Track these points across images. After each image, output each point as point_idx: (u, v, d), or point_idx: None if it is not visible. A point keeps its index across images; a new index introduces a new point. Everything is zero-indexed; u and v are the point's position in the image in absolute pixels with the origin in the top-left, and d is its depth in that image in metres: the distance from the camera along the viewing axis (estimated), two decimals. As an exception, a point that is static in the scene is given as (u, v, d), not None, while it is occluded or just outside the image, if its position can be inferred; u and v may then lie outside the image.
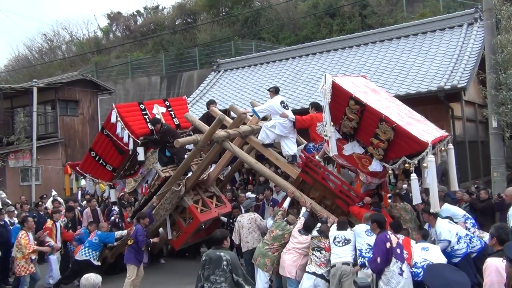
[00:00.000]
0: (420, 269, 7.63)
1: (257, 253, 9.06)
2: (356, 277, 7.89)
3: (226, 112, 13.00)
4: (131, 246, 9.98)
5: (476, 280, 8.07)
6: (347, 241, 8.26)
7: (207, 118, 12.29)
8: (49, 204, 15.82)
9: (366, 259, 7.88)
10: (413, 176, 8.44)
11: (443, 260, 7.82)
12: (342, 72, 17.92)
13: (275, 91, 11.03)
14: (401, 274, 7.14)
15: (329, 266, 8.33)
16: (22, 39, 76.96)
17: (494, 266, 5.20)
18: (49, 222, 11.48)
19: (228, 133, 10.52)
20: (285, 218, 9.37)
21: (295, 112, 12.99)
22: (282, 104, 10.50)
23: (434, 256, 7.80)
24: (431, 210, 8.56)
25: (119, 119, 11.21)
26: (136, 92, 31.85)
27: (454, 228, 8.57)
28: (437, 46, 17.24)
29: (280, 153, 10.60)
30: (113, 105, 11.64)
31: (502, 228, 5.85)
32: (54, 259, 11.42)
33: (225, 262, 6.43)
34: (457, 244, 8.29)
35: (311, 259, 8.40)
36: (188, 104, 15.20)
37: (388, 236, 7.31)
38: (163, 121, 11.85)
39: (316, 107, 10.90)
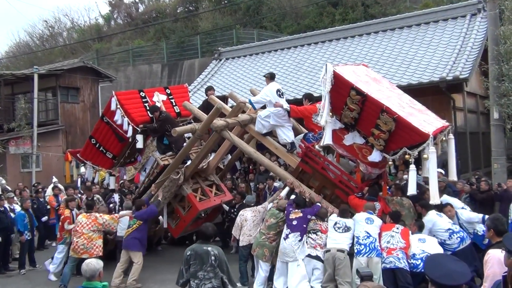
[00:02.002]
0: (419, 261, 7.67)
1: (255, 244, 9.06)
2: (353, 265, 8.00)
3: (224, 98, 12.96)
4: (134, 236, 10.12)
5: (475, 273, 8.07)
6: (347, 229, 8.35)
7: (207, 105, 12.23)
8: (49, 191, 15.81)
9: (363, 246, 7.97)
10: (412, 167, 8.42)
11: (440, 251, 7.84)
12: (344, 62, 17.83)
13: (270, 77, 10.90)
14: (285, 239, 8.50)
15: (325, 249, 8.43)
16: (23, 25, 76.68)
17: (497, 258, 5.19)
18: (66, 211, 11.16)
19: (227, 122, 10.41)
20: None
21: (296, 101, 13.00)
22: (278, 93, 10.40)
23: (431, 247, 7.84)
24: (431, 202, 8.56)
25: (118, 106, 11.15)
26: (137, 80, 31.75)
27: (443, 221, 8.57)
28: (440, 36, 17.17)
29: (279, 141, 10.57)
30: (113, 92, 11.60)
31: (497, 219, 5.89)
32: (61, 248, 11.10)
33: (213, 257, 6.22)
34: (449, 239, 8.30)
35: (307, 241, 8.49)
36: (189, 92, 15.16)
37: (290, 210, 8.76)
38: (163, 108, 11.81)
39: (310, 98, 10.85)
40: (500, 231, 5.64)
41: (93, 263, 5.22)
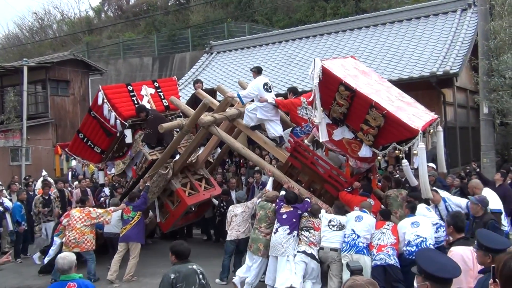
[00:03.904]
0: (414, 247, 7.62)
1: (250, 240, 9.06)
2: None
3: (212, 91, 12.89)
4: (135, 227, 10.27)
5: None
6: (341, 227, 8.35)
7: (195, 99, 12.16)
8: (38, 184, 15.72)
9: (345, 244, 8.08)
10: (405, 162, 8.45)
11: (433, 233, 7.90)
12: (335, 56, 17.80)
13: (257, 71, 10.85)
14: (274, 233, 8.52)
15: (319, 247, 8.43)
16: (12, 17, 75.87)
17: (459, 255, 5.25)
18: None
19: (214, 118, 10.32)
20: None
21: (287, 96, 12.95)
22: (265, 86, 10.32)
23: (425, 230, 7.78)
24: (423, 197, 8.59)
25: (105, 100, 11.08)
26: (127, 73, 31.57)
27: (431, 214, 8.63)
28: (431, 31, 17.19)
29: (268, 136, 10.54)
30: (99, 86, 11.53)
31: (457, 216, 6.06)
32: (58, 241, 10.98)
33: (200, 276, 5.47)
34: (436, 232, 8.32)
35: (301, 239, 8.50)
36: (179, 85, 15.09)
37: (281, 204, 8.76)
38: (152, 103, 11.74)
39: (294, 91, 10.84)
40: (459, 227, 5.82)
41: (69, 256, 5.27)
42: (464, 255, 5.28)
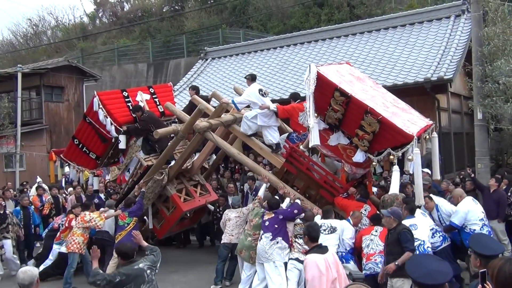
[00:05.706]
0: (416, 251, 7.61)
1: (240, 246, 8.98)
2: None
3: (207, 99, 12.90)
4: (131, 233, 10.10)
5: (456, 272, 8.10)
6: (333, 229, 8.29)
7: (192, 105, 12.15)
8: (33, 191, 15.65)
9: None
10: (395, 168, 8.45)
11: (430, 237, 7.93)
12: (329, 62, 17.86)
13: (251, 78, 10.84)
14: (259, 240, 8.52)
15: None
16: (6, 23, 75.68)
17: (314, 262, 5.96)
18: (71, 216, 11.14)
19: (210, 124, 10.29)
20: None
21: (282, 101, 12.97)
22: (261, 92, 10.32)
23: (422, 233, 7.72)
24: (416, 203, 8.57)
25: (101, 106, 11.05)
26: (122, 79, 31.54)
27: (427, 219, 8.60)
28: (425, 37, 17.28)
29: (264, 142, 10.52)
30: (95, 92, 11.51)
31: (311, 226, 6.59)
32: (57, 250, 10.85)
33: (148, 271, 5.56)
34: (432, 238, 8.30)
35: (294, 246, 8.46)
36: (174, 91, 15.07)
37: (264, 211, 8.82)
38: (147, 108, 11.72)
39: (295, 97, 10.83)
40: (313, 237, 6.35)
41: (31, 270, 4.84)
42: (317, 261, 5.96)
